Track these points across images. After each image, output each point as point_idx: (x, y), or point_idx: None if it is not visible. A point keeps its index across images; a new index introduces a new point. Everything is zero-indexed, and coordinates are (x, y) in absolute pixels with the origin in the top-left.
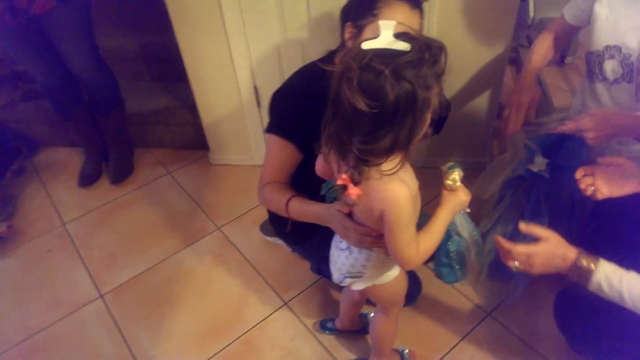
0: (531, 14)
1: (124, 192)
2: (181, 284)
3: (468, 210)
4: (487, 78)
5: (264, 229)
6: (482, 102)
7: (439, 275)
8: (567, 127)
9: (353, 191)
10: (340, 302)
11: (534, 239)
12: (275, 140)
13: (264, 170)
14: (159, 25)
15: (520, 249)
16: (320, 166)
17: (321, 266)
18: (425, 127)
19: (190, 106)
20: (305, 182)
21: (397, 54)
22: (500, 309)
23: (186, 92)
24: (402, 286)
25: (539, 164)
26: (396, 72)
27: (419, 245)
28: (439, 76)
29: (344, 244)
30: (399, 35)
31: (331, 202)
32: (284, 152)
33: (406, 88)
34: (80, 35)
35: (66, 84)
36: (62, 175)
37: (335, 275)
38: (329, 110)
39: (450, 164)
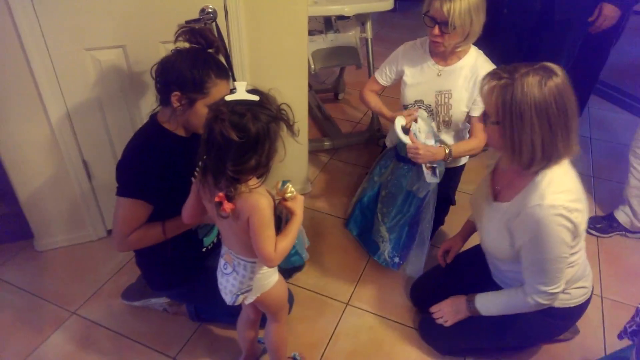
0: (312, 66)
1: None
2: None
3: None
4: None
5: (127, 296)
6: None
7: (292, 264)
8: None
9: (227, 206)
10: (237, 335)
11: None
12: (127, 201)
13: (121, 227)
14: None
15: (434, 308)
16: (187, 212)
17: (206, 305)
18: (277, 152)
19: (1, 195)
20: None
21: (252, 102)
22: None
23: None
24: (284, 289)
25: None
26: (254, 113)
27: (277, 244)
28: (282, 117)
29: (228, 269)
30: (250, 91)
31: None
32: (136, 210)
33: (263, 123)
34: None
35: None
36: None
37: (228, 298)
38: (202, 148)
39: (281, 181)
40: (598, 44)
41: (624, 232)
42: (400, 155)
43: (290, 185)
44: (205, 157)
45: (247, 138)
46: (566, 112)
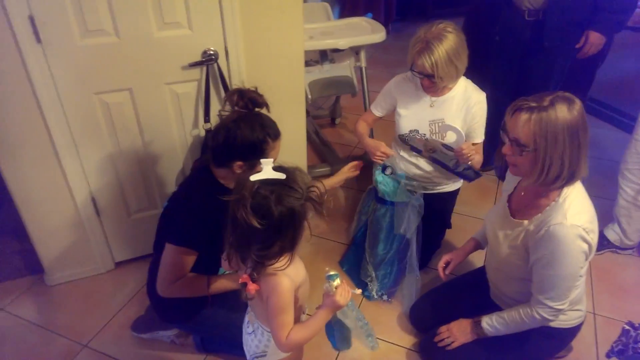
0: (309, 95)
1: None
2: None
3: (358, 291)
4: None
5: (136, 328)
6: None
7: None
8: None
9: (252, 287)
10: None
11: None
12: (178, 249)
13: (169, 273)
14: None
15: (442, 328)
16: (225, 265)
17: (214, 336)
18: (304, 231)
19: (11, 233)
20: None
21: (277, 182)
22: None
23: (2, 220)
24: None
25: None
26: (279, 196)
27: (291, 333)
28: (308, 195)
29: (250, 328)
30: (275, 168)
31: None
32: (185, 258)
33: (287, 207)
34: None
35: None
36: None
37: (247, 357)
38: (229, 227)
39: (331, 273)
40: (584, 67)
41: (614, 249)
42: (378, 196)
43: (336, 282)
44: (230, 235)
45: (269, 224)
46: (587, 131)
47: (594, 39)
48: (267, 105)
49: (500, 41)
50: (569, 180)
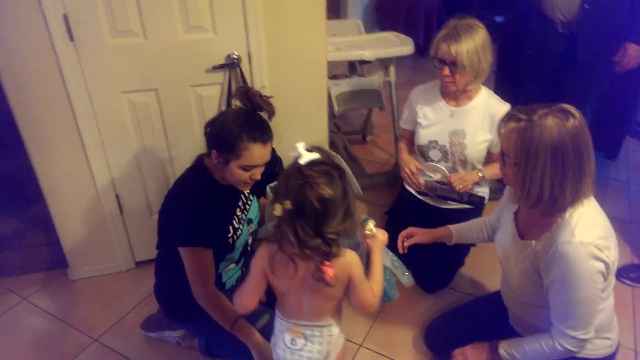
0: (336, 108)
1: None
2: None
3: None
4: None
5: (145, 326)
6: None
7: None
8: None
9: (332, 272)
10: None
11: None
12: (190, 250)
13: (195, 275)
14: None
15: (457, 351)
16: (245, 299)
17: (213, 341)
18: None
19: (41, 226)
20: None
21: (318, 161)
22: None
23: (34, 213)
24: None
25: None
26: (331, 170)
27: (372, 289)
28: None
29: (298, 344)
30: (309, 150)
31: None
32: (201, 257)
33: (341, 177)
34: None
35: None
36: None
37: None
38: (289, 224)
39: (364, 217)
40: (628, 84)
41: None
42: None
43: (371, 223)
44: (295, 231)
45: (339, 193)
46: (581, 154)
47: (633, 51)
48: (267, 110)
49: (531, 55)
50: (553, 206)
